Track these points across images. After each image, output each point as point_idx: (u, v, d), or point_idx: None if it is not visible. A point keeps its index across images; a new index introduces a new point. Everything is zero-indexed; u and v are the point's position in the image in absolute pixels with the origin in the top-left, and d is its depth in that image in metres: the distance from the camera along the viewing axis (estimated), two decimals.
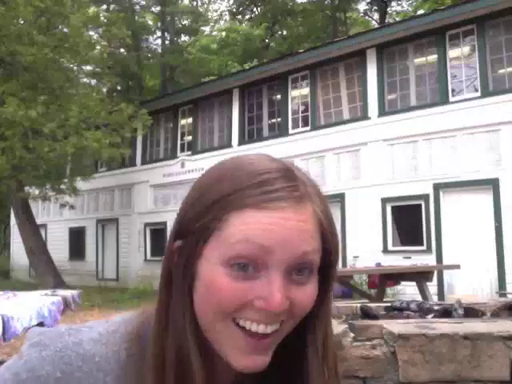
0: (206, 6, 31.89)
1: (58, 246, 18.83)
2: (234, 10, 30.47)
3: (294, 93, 13.87)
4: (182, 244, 0.65)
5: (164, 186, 16.39)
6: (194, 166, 15.28)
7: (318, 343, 0.69)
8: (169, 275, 0.67)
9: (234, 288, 0.61)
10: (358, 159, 12.17)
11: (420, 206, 11.20)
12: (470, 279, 10.24)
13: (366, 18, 29.56)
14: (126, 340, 0.68)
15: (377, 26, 21.75)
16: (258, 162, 0.66)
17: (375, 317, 3.33)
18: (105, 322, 0.72)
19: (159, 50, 29.66)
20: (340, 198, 12.28)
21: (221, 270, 0.61)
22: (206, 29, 31.48)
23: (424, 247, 11.04)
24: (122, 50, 26.05)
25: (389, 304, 3.91)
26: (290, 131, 13.49)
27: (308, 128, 13.21)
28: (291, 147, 12.95)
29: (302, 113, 13.63)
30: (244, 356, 0.63)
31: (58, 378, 0.65)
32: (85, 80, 17.37)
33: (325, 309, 0.69)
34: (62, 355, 0.66)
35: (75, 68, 15.78)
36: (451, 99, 11.12)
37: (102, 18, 16.00)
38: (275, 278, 0.61)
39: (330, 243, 0.66)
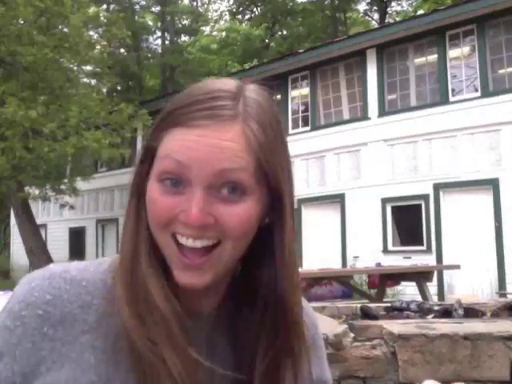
0: (205, 6, 31.90)
1: (57, 246, 18.82)
2: (234, 10, 30.45)
3: (293, 93, 13.87)
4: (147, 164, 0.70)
5: None
6: None
7: (274, 274, 0.70)
8: (138, 197, 0.71)
9: (163, 202, 0.65)
10: (358, 159, 12.17)
11: (420, 206, 11.20)
12: (470, 279, 10.24)
13: (366, 18, 29.56)
14: (111, 270, 0.71)
15: (377, 26, 21.75)
16: (214, 83, 0.69)
17: (375, 317, 3.33)
18: (91, 260, 0.77)
19: (159, 50, 29.66)
20: (340, 198, 12.28)
21: (155, 185, 0.66)
22: (206, 29, 31.51)
23: (424, 247, 11.04)
24: (122, 50, 26.03)
25: (389, 304, 3.91)
26: (290, 131, 13.48)
27: (308, 128, 13.21)
28: (291, 147, 12.62)
29: (302, 113, 13.62)
30: (181, 272, 0.66)
31: (47, 300, 0.68)
32: (85, 80, 17.35)
33: (280, 237, 0.70)
34: (51, 281, 0.69)
35: (75, 68, 15.76)
36: (451, 99, 11.12)
37: (101, 18, 15.97)
38: (195, 193, 0.64)
39: (264, 166, 0.66)
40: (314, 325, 0.83)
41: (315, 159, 12.81)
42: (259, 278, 0.71)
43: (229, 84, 0.69)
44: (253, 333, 0.71)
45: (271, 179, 0.67)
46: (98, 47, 15.86)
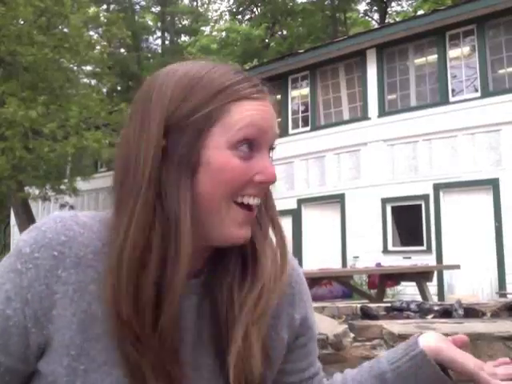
0: (205, 6, 31.90)
1: None
2: (234, 10, 30.44)
3: (293, 93, 13.87)
4: (172, 141, 0.69)
5: None
6: None
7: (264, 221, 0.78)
8: (155, 178, 0.69)
9: (243, 166, 0.71)
10: (358, 159, 12.17)
11: (420, 206, 11.19)
12: (470, 279, 10.24)
13: (366, 18, 29.55)
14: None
15: (377, 26, 21.75)
16: (222, 63, 0.77)
17: (375, 317, 3.33)
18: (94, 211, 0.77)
19: (159, 50, 29.66)
20: (340, 198, 12.27)
21: (229, 153, 0.70)
22: (206, 29, 31.50)
23: (424, 247, 11.03)
24: (122, 50, 26.05)
25: (389, 304, 3.91)
26: (290, 131, 13.49)
27: (308, 128, 13.21)
28: (291, 147, 12.94)
29: (302, 113, 13.62)
30: (240, 228, 0.72)
31: (62, 241, 0.67)
32: (85, 80, 17.36)
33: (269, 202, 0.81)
34: (64, 224, 0.69)
35: (75, 68, 15.76)
36: (451, 99, 11.12)
37: (102, 18, 15.97)
38: (266, 154, 0.74)
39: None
40: (295, 271, 0.88)
41: (315, 159, 12.80)
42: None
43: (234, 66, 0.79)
44: (228, 288, 0.75)
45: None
46: (98, 47, 15.84)
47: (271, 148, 0.76)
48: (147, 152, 0.69)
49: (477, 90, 10.91)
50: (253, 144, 0.71)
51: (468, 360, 0.81)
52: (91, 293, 0.67)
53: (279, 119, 13.95)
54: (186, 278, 0.73)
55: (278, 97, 14.20)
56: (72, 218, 0.70)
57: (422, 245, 11.10)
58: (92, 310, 0.66)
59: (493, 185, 10.30)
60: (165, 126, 0.70)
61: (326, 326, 2.74)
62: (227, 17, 31.48)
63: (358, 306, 3.68)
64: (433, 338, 0.85)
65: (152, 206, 0.68)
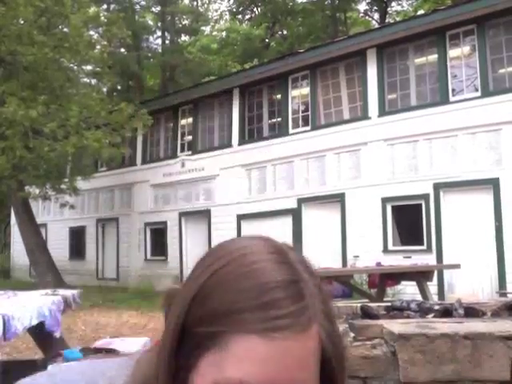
0: (206, 5, 31.89)
1: (58, 246, 18.84)
2: (234, 9, 30.45)
3: (294, 92, 13.87)
4: (182, 345, 0.59)
5: (164, 185, 16.41)
6: (194, 166, 15.33)
7: None
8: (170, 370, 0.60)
9: None
10: (358, 159, 12.17)
11: (420, 205, 11.20)
12: (471, 279, 10.25)
13: (366, 18, 29.55)
14: None
15: (377, 26, 21.74)
16: (263, 267, 0.58)
17: (375, 316, 3.33)
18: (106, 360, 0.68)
19: (159, 50, 29.62)
20: (340, 197, 12.28)
21: None
22: (206, 29, 31.51)
23: (424, 247, 11.04)
24: (122, 49, 26.04)
25: (389, 304, 3.91)
26: (290, 131, 13.49)
27: (308, 128, 13.21)
28: (291, 147, 12.97)
29: (302, 112, 13.62)
30: None
31: None
32: (85, 80, 17.38)
33: None
34: None
35: (75, 68, 15.79)
36: (451, 99, 11.12)
37: (102, 18, 15.99)
38: None
39: (333, 364, 0.60)
40: None
41: (315, 159, 12.81)
42: None
43: (282, 266, 0.59)
44: None
45: (334, 372, 0.61)
46: (98, 47, 15.86)
47: None
48: (161, 352, 0.61)
49: (477, 90, 10.91)
50: None
51: None
52: None
53: (279, 118, 13.96)
54: None
55: (278, 96, 14.21)
56: None
57: (422, 244, 11.11)
58: None
59: (493, 184, 10.30)
60: (182, 324, 0.60)
61: None
62: (227, 16, 31.53)
63: (358, 305, 3.68)
64: None
65: None
